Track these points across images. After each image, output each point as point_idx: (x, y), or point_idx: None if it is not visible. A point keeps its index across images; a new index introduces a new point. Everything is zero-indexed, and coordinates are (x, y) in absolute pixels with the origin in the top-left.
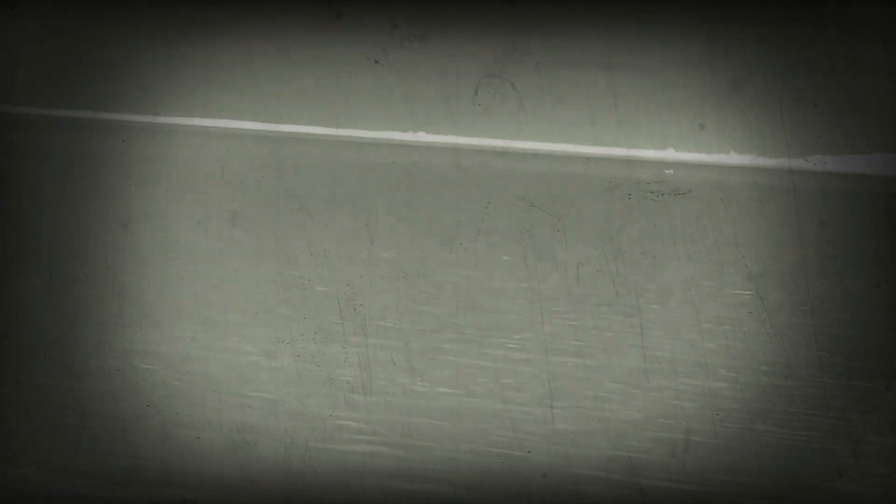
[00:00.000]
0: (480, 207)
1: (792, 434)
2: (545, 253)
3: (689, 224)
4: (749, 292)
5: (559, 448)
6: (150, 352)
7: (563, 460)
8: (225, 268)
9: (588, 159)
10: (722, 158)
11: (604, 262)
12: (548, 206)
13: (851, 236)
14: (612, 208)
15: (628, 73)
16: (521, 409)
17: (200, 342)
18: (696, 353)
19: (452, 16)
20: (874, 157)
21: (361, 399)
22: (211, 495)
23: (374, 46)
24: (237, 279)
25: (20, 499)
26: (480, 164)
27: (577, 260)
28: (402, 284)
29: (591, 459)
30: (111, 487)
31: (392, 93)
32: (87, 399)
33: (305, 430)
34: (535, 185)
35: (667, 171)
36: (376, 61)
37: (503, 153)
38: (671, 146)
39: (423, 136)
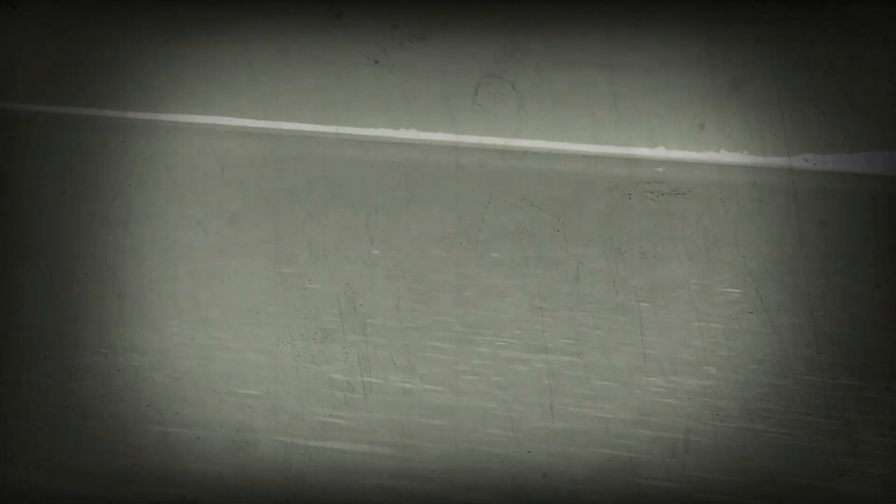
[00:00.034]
0: (480, 207)
1: (792, 434)
2: (545, 253)
3: (689, 224)
4: (749, 292)
5: (559, 448)
6: (150, 352)
7: (563, 460)
8: (225, 267)
9: (588, 159)
10: (722, 158)
11: (604, 262)
12: (548, 206)
13: (851, 236)
14: (612, 208)
15: (628, 73)
16: (520, 408)
17: (200, 342)
18: (695, 353)
19: (452, 16)
20: (874, 156)
21: (361, 399)
22: (211, 495)
23: (374, 46)
24: (237, 279)
25: (20, 499)
26: (480, 164)
27: (577, 260)
28: (402, 284)
29: (591, 459)
30: (111, 487)
31: (392, 92)
32: (87, 399)
33: (305, 430)
34: (535, 184)
35: (657, 170)
36: (376, 61)
37: (503, 151)
38: (661, 144)
39: (422, 136)
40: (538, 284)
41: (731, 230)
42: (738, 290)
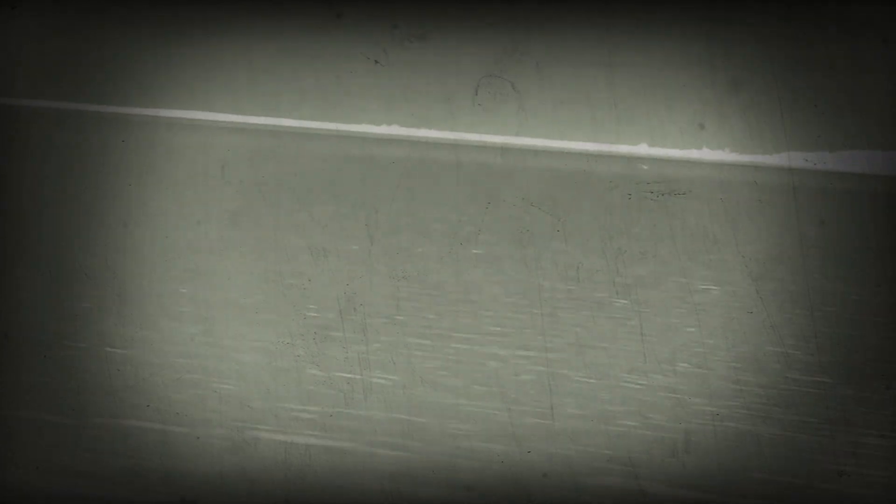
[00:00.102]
0: (480, 207)
1: (792, 434)
2: (545, 253)
3: (689, 224)
4: (749, 292)
5: (559, 448)
6: (151, 352)
7: (563, 460)
8: (225, 267)
9: (588, 159)
10: (722, 157)
11: (604, 262)
12: (548, 206)
13: (851, 236)
14: (612, 208)
15: (628, 73)
16: (521, 408)
17: (200, 342)
18: (695, 353)
19: (452, 16)
20: (874, 156)
21: (361, 399)
22: (211, 495)
23: (374, 46)
24: (237, 279)
25: (20, 499)
26: (480, 164)
27: (577, 260)
28: (402, 284)
29: (591, 459)
30: (111, 487)
31: (392, 92)
32: (87, 399)
33: (305, 430)
34: (536, 184)
35: (643, 167)
36: (376, 61)
37: (503, 149)
38: (661, 144)
39: (423, 135)
40: (538, 284)
41: (731, 230)
42: (737, 290)
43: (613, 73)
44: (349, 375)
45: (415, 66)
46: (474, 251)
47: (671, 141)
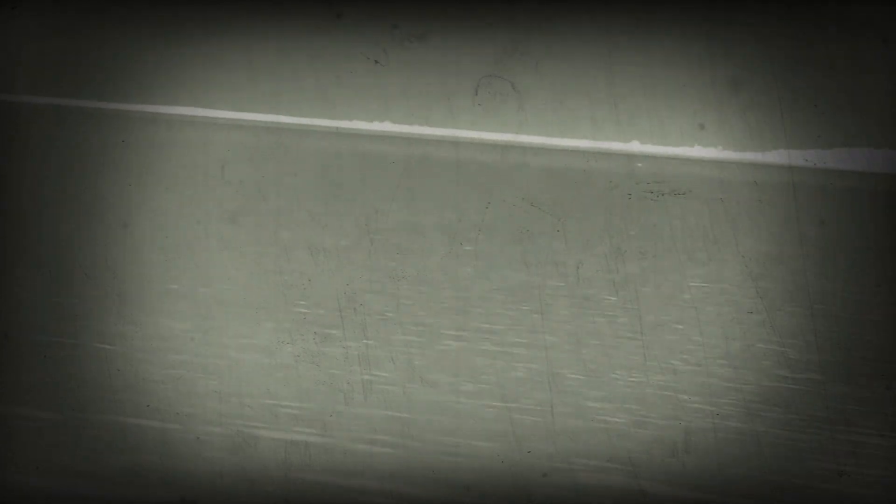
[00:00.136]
0: (480, 207)
1: (792, 434)
2: (545, 253)
3: (689, 224)
4: (749, 292)
5: (559, 448)
6: (150, 351)
7: (563, 460)
8: (225, 267)
9: (587, 159)
10: (722, 157)
11: (604, 262)
12: (548, 206)
13: (852, 236)
14: (612, 208)
15: (628, 72)
16: (521, 408)
17: (200, 342)
18: (695, 353)
19: (452, 16)
20: (874, 155)
21: (361, 399)
22: (211, 495)
23: (374, 46)
24: (237, 279)
25: (20, 499)
26: (480, 164)
27: (577, 260)
28: (401, 284)
29: (591, 459)
30: (111, 487)
31: (392, 91)
32: (87, 399)
33: (305, 430)
34: (536, 184)
35: (638, 165)
36: (376, 61)
37: (504, 149)
38: (660, 143)
39: (423, 135)
40: (538, 284)
41: (731, 230)
42: (737, 290)
43: (613, 73)
44: (349, 375)
45: (415, 66)
46: (474, 251)
47: (671, 140)
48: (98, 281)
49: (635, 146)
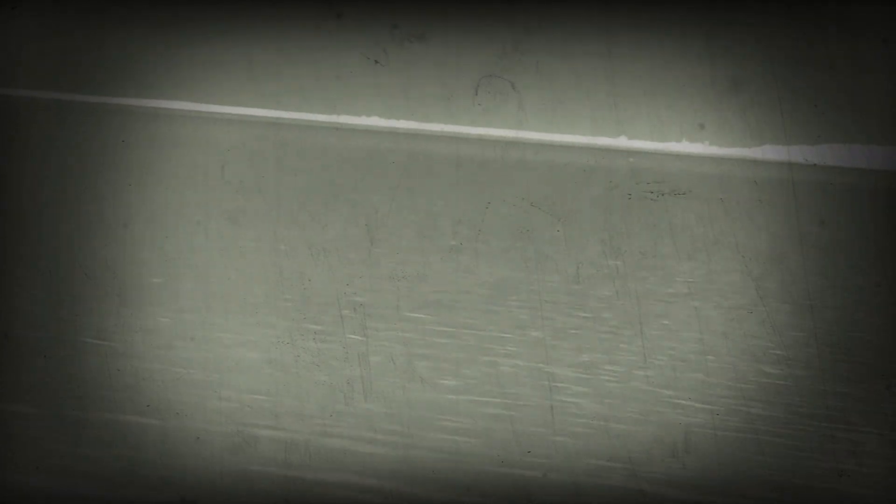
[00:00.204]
0: (480, 207)
1: (792, 434)
2: (545, 253)
3: (689, 224)
4: (749, 292)
5: (559, 448)
6: (150, 352)
7: (563, 460)
8: (225, 267)
9: (587, 159)
10: (722, 157)
11: (604, 262)
12: (548, 206)
13: (851, 235)
14: (612, 208)
15: (628, 72)
16: (521, 408)
17: (200, 342)
18: (695, 353)
19: (452, 16)
20: (874, 155)
21: (361, 399)
22: (211, 495)
23: (374, 46)
24: (237, 279)
25: (20, 499)
26: (480, 163)
27: (577, 260)
28: (401, 284)
29: (591, 459)
30: (111, 487)
31: (392, 91)
32: (87, 399)
33: (305, 430)
34: (536, 184)
35: (630, 160)
36: (376, 61)
37: (504, 148)
38: (660, 143)
39: (423, 133)
40: (538, 284)
41: (731, 230)
42: (738, 290)
43: (614, 73)
44: (348, 374)
45: (415, 66)
46: (474, 251)
47: (671, 140)
48: (98, 281)
49: (635, 145)
